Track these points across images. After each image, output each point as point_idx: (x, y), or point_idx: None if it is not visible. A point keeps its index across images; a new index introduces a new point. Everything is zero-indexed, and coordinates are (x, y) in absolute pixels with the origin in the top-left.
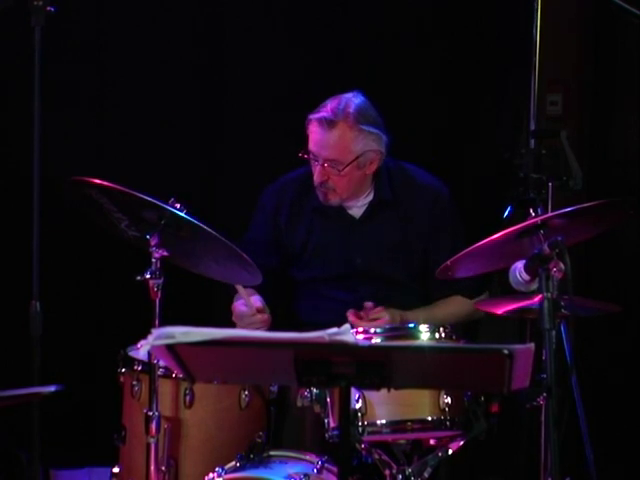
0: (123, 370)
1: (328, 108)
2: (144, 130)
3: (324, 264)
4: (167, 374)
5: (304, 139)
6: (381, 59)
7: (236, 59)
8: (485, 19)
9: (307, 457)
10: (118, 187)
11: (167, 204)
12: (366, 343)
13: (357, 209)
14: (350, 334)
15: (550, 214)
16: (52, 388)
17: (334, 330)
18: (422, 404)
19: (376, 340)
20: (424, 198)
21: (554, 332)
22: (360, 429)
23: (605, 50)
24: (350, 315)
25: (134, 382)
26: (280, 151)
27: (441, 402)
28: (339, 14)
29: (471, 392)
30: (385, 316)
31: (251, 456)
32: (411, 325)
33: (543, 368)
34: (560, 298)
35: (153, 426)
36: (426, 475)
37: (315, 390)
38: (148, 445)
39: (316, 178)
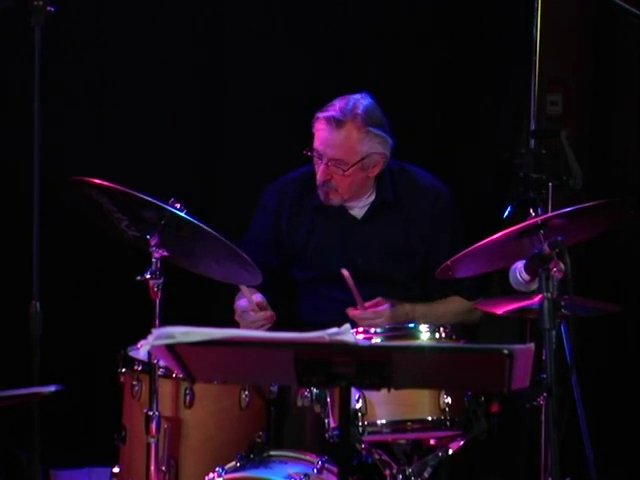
0: (123, 370)
1: (337, 107)
2: (144, 130)
3: (325, 264)
4: (167, 374)
5: (304, 139)
6: (381, 59)
7: (236, 59)
8: (485, 19)
9: (307, 457)
10: (118, 187)
11: (167, 204)
12: (366, 343)
13: (359, 209)
14: (350, 334)
15: (550, 214)
16: (52, 388)
17: (334, 330)
18: (422, 404)
19: (376, 340)
20: (426, 199)
21: (554, 332)
22: (360, 429)
23: (605, 50)
24: (350, 311)
25: (134, 382)
26: (280, 151)
27: (441, 402)
28: (339, 14)
29: (471, 392)
30: (385, 303)
31: (251, 456)
32: (411, 325)
33: (543, 368)
34: (560, 298)
35: (153, 426)
36: (426, 475)
37: (315, 390)
38: (148, 445)
39: (319, 177)
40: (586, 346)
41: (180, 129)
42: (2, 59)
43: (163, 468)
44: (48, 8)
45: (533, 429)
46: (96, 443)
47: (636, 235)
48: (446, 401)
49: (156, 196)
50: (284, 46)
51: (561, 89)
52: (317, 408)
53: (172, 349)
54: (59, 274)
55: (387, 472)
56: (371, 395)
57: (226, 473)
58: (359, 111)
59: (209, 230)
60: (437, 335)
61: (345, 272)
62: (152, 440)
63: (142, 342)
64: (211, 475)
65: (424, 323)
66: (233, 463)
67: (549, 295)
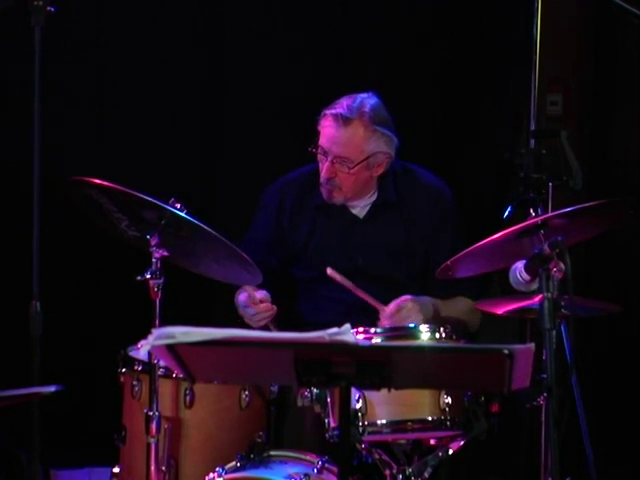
0: (123, 370)
1: (344, 105)
2: (144, 130)
3: (326, 263)
4: (167, 374)
5: (304, 139)
6: (381, 59)
7: (236, 59)
8: (485, 19)
9: (307, 457)
10: (118, 187)
11: (167, 204)
12: (366, 343)
13: (360, 209)
14: (350, 334)
15: (550, 214)
16: (52, 388)
17: (334, 330)
18: (422, 404)
19: (376, 340)
20: (428, 199)
21: (554, 332)
22: (360, 429)
23: (605, 50)
24: (381, 320)
25: (134, 382)
26: (280, 151)
27: (441, 402)
28: (339, 14)
29: (471, 392)
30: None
31: (251, 456)
32: (411, 325)
33: (543, 368)
34: (560, 298)
35: (153, 426)
36: (426, 475)
37: (315, 390)
38: (148, 445)
39: (323, 174)
40: (586, 346)
41: (180, 129)
42: (2, 59)
43: (163, 468)
44: (48, 8)
45: (533, 429)
46: (96, 443)
47: (636, 235)
48: (446, 401)
49: (156, 196)
50: (284, 46)
51: (561, 89)
52: (317, 408)
53: (172, 349)
54: (59, 274)
55: (387, 472)
56: (371, 395)
57: (226, 473)
58: (366, 109)
59: (209, 230)
60: (437, 335)
61: (329, 270)
62: (152, 440)
63: (142, 342)
64: (211, 475)
65: (437, 319)
66: (233, 463)
67: (549, 295)
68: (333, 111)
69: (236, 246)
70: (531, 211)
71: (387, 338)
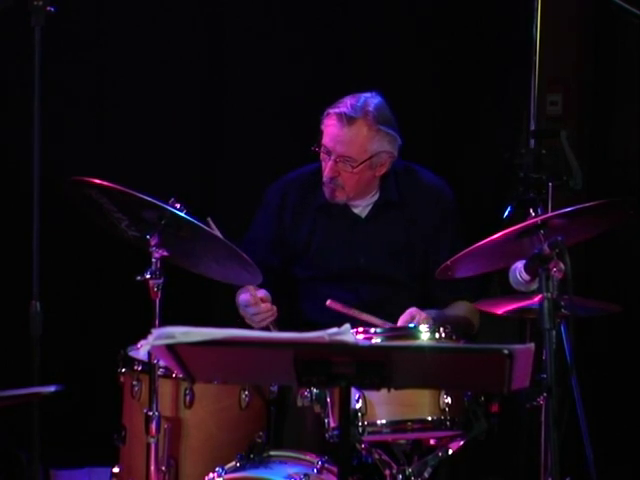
0: (123, 370)
1: (348, 104)
2: (144, 130)
3: (327, 263)
4: (167, 374)
5: (304, 139)
6: (381, 59)
7: (236, 59)
8: (485, 19)
9: (307, 457)
10: (118, 187)
11: (167, 204)
12: (366, 343)
13: (362, 208)
14: (350, 334)
15: (550, 214)
16: (52, 388)
17: (334, 330)
18: (422, 404)
19: (376, 340)
20: (429, 199)
21: (554, 332)
22: (360, 429)
23: (605, 50)
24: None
25: (134, 382)
26: (280, 151)
27: (441, 402)
28: (339, 14)
29: (471, 392)
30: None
31: (251, 456)
32: (411, 325)
33: (543, 368)
34: (560, 298)
35: (153, 426)
36: (426, 475)
37: (315, 390)
38: (148, 445)
39: (326, 174)
40: (586, 346)
41: (180, 129)
42: (2, 59)
43: (163, 468)
44: (48, 8)
45: (533, 429)
46: (96, 443)
47: (636, 235)
48: (446, 401)
49: (156, 196)
50: (284, 46)
51: (561, 89)
52: (317, 408)
53: (172, 349)
54: (59, 274)
55: (387, 472)
56: (371, 395)
57: (226, 473)
58: (370, 109)
59: (209, 230)
60: (437, 335)
61: (329, 302)
62: (152, 440)
63: (142, 342)
64: (211, 475)
65: (445, 322)
66: (233, 463)
67: (549, 295)
68: (337, 110)
69: (236, 246)
70: (531, 211)
71: (387, 338)
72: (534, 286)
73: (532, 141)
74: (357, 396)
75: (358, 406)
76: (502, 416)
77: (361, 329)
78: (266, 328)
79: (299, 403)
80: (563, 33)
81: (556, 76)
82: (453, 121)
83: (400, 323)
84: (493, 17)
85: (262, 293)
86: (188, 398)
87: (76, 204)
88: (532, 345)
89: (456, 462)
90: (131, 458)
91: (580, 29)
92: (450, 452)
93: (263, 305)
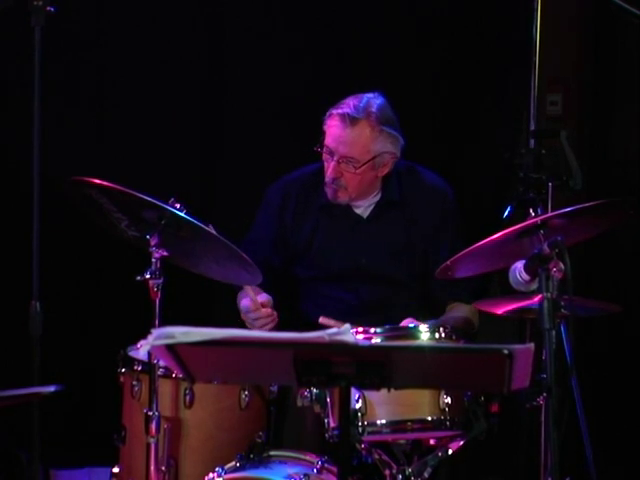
0: (123, 370)
1: (350, 104)
2: (144, 130)
3: (328, 263)
4: (167, 374)
5: (304, 139)
6: (381, 59)
7: (236, 59)
8: (485, 19)
9: (307, 457)
10: (118, 187)
11: (167, 204)
12: (366, 343)
13: (364, 209)
14: (350, 334)
15: (550, 214)
16: (52, 388)
17: (334, 330)
18: (422, 404)
19: (376, 340)
20: (430, 199)
21: (554, 332)
22: (360, 429)
23: (605, 50)
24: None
25: (134, 382)
26: (280, 151)
27: (441, 402)
28: (339, 14)
29: (471, 392)
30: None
31: (251, 456)
32: (411, 325)
33: (543, 368)
34: (560, 298)
35: (153, 426)
36: (426, 475)
37: (315, 390)
38: (148, 445)
39: (329, 174)
40: (586, 346)
41: (180, 129)
42: (2, 59)
43: (163, 468)
44: (48, 8)
45: (533, 429)
46: (96, 443)
47: (636, 235)
48: (446, 401)
49: (156, 196)
50: (284, 46)
51: (561, 89)
52: (317, 408)
53: (172, 349)
54: (59, 274)
55: (387, 472)
56: (371, 395)
57: (226, 473)
58: (373, 109)
59: (209, 230)
60: (437, 335)
61: (321, 319)
62: (152, 440)
63: (142, 342)
64: (211, 475)
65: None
66: (233, 463)
67: (549, 295)
68: (340, 111)
69: (236, 246)
70: (531, 211)
71: (387, 338)
72: (534, 286)
73: (532, 141)
74: (357, 396)
75: (358, 406)
76: (502, 416)
77: (361, 329)
78: None
79: (299, 403)
80: (563, 33)
81: (556, 76)
82: (453, 121)
83: None
84: (493, 17)
85: (263, 298)
86: (188, 398)
87: (76, 204)
88: (532, 345)
89: (456, 462)
90: (131, 458)
91: (580, 29)
92: (450, 452)
93: (264, 310)
